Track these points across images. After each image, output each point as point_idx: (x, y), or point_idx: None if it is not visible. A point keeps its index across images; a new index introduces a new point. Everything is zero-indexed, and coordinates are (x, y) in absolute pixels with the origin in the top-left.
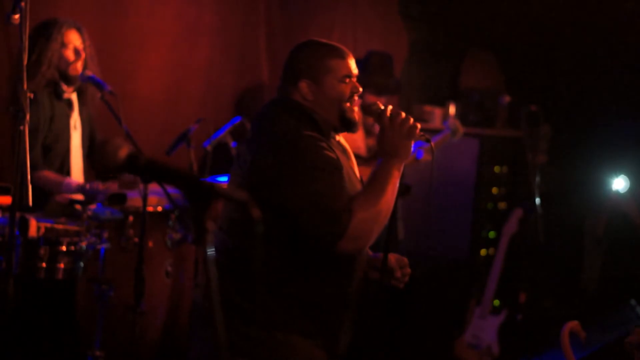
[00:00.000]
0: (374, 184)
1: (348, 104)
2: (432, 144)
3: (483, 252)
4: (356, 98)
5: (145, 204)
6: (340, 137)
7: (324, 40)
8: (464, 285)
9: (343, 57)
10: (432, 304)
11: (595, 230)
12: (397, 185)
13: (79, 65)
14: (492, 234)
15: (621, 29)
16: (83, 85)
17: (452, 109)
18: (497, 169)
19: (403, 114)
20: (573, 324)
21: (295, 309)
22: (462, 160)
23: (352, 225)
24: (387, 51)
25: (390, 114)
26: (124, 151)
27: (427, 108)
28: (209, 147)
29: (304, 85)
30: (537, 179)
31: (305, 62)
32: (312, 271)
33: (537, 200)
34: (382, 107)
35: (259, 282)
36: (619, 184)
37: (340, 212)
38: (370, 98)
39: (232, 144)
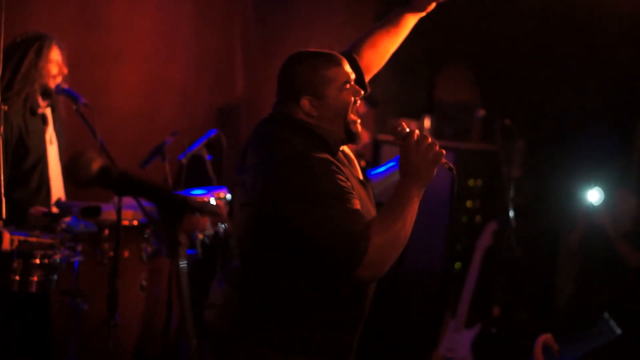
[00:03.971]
0: (393, 208)
1: (352, 115)
2: (454, 170)
3: (458, 265)
4: (359, 101)
5: (119, 218)
6: (344, 147)
7: (315, 50)
8: (439, 298)
9: (339, 63)
10: (407, 317)
11: (570, 243)
12: (416, 210)
13: (59, 81)
14: (460, 247)
15: (595, 44)
16: (55, 99)
17: (427, 123)
18: (471, 182)
19: (430, 139)
20: (546, 337)
21: (310, 333)
22: (437, 173)
23: (370, 252)
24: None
25: (417, 138)
26: (96, 164)
27: (403, 121)
28: (184, 160)
29: (306, 103)
30: (512, 192)
31: (303, 77)
32: (327, 296)
33: (511, 214)
34: (408, 130)
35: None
36: (594, 196)
37: (357, 239)
38: None
39: (207, 157)
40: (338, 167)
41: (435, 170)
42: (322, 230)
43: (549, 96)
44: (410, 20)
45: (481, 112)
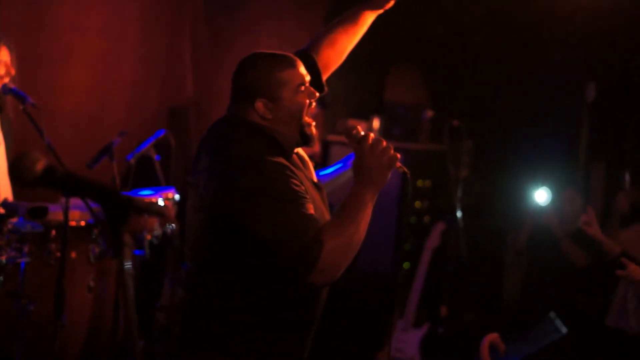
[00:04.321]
0: (347, 212)
1: (306, 118)
2: (408, 174)
3: (406, 265)
4: (314, 104)
5: (67, 218)
6: (299, 149)
7: (269, 51)
8: (387, 299)
9: (294, 65)
10: (355, 317)
11: (517, 243)
12: (370, 214)
13: (7, 81)
14: (408, 247)
15: (541, 45)
16: (2, 99)
17: (376, 123)
18: (420, 182)
19: (384, 143)
20: (493, 337)
21: (263, 338)
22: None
23: (323, 256)
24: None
25: (372, 142)
26: (40, 164)
27: (352, 122)
28: (132, 161)
29: (260, 105)
30: (459, 192)
31: (257, 79)
32: (280, 300)
33: (459, 214)
34: (363, 133)
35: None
36: (540, 196)
37: (311, 244)
38: None
39: (155, 157)
40: (292, 171)
41: (390, 174)
42: (275, 235)
43: (496, 97)
44: (368, 18)
45: (429, 113)
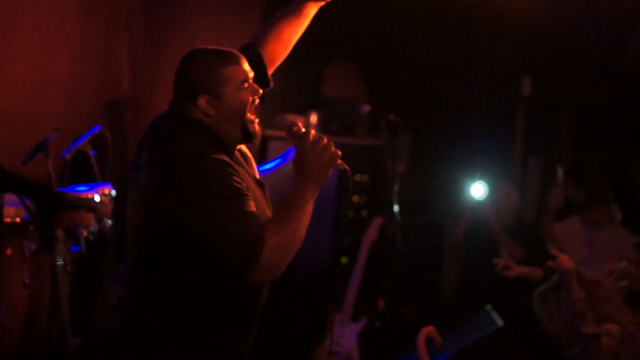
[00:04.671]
0: (288, 210)
1: (249, 115)
2: (349, 171)
3: (344, 259)
4: (257, 100)
5: (1, 214)
6: (242, 146)
7: (212, 47)
8: (325, 293)
9: (237, 62)
10: (293, 312)
11: (454, 237)
12: (311, 211)
13: None
14: (346, 241)
15: (477, 40)
16: None
17: (313, 118)
18: (358, 177)
19: (325, 139)
20: (429, 330)
21: (204, 335)
22: None
23: (264, 254)
24: None
25: (313, 139)
26: None
27: (290, 116)
28: (68, 157)
29: (202, 102)
30: (396, 187)
31: (200, 76)
32: (220, 297)
33: (396, 208)
34: (304, 130)
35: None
36: (477, 191)
37: (252, 242)
38: None
39: (91, 153)
40: (233, 168)
41: (330, 171)
42: (216, 233)
43: (433, 92)
44: (312, 9)
45: (366, 108)
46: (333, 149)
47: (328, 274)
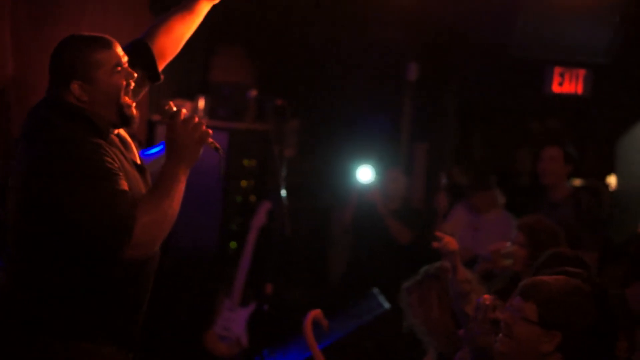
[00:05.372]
0: (160, 188)
1: (125, 98)
2: (221, 150)
3: (233, 244)
4: (132, 84)
5: None
6: (121, 131)
7: (86, 34)
8: (214, 278)
9: (109, 46)
10: (181, 297)
11: (342, 221)
12: (183, 188)
13: None
14: (239, 227)
15: (365, 26)
16: None
17: (201, 103)
18: (246, 162)
19: (197, 119)
20: (316, 313)
21: (90, 319)
22: (211, 153)
23: (136, 231)
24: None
25: (184, 117)
26: None
27: (177, 101)
28: None
29: (75, 87)
30: (284, 171)
31: (72, 61)
32: (101, 279)
33: (284, 193)
34: (175, 109)
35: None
36: (364, 175)
37: (124, 219)
38: None
39: None
40: (106, 150)
41: (202, 150)
42: (87, 212)
43: (321, 76)
44: (204, 7)
45: (253, 92)
46: (204, 127)
47: (217, 259)
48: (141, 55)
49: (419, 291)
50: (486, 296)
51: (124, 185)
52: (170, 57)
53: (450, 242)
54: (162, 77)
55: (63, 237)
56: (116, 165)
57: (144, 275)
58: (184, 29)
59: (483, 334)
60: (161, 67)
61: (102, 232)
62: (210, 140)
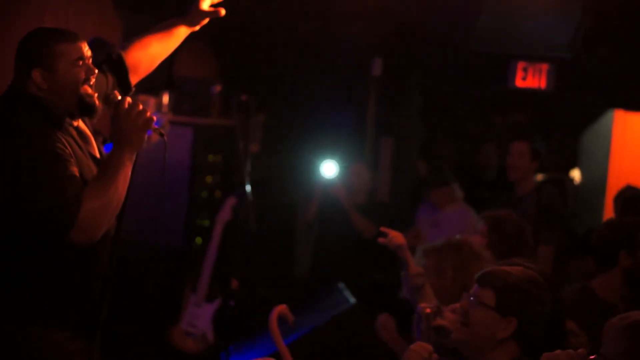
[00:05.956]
0: (105, 174)
1: (86, 87)
2: (166, 137)
3: (198, 240)
4: (93, 80)
5: None
6: (80, 122)
7: (53, 27)
8: (179, 274)
9: (73, 40)
10: (147, 293)
11: (306, 216)
12: (129, 175)
13: None
14: (206, 222)
15: (330, 20)
16: None
17: (166, 99)
18: (211, 157)
19: (140, 106)
20: (281, 308)
21: (46, 305)
22: (176, 149)
23: (81, 216)
24: (101, 38)
25: (128, 105)
26: None
27: (142, 97)
28: None
29: (37, 75)
30: (249, 167)
31: (35, 50)
32: (53, 265)
33: (249, 188)
34: (120, 97)
35: None
36: (329, 170)
37: (67, 204)
38: None
39: None
40: (59, 138)
41: (146, 136)
42: (34, 195)
43: (285, 71)
44: (183, 32)
45: (217, 88)
46: (148, 114)
47: (182, 254)
48: (113, 62)
49: (435, 257)
50: (424, 305)
51: (74, 171)
52: (143, 73)
53: (395, 236)
54: (133, 89)
55: (10, 219)
56: (67, 151)
57: (92, 260)
58: (159, 49)
59: (429, 342)
60: (134, 81)
61: (46, 215)
62: (155, 126)
